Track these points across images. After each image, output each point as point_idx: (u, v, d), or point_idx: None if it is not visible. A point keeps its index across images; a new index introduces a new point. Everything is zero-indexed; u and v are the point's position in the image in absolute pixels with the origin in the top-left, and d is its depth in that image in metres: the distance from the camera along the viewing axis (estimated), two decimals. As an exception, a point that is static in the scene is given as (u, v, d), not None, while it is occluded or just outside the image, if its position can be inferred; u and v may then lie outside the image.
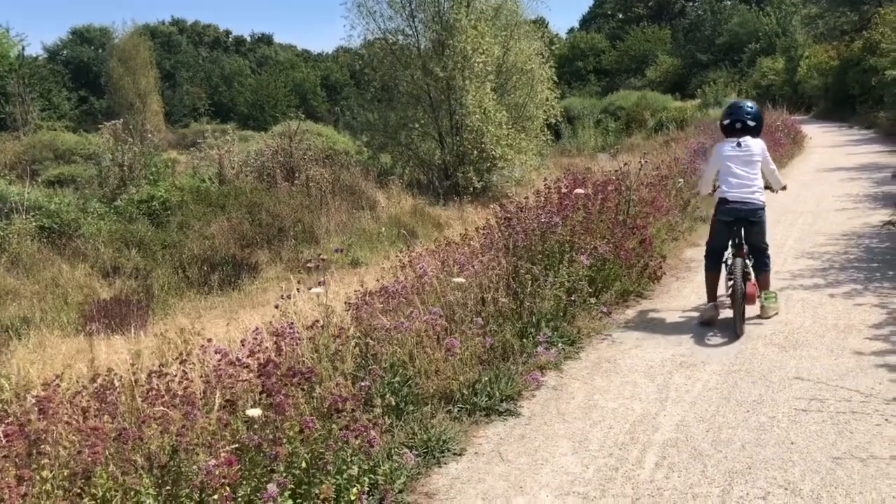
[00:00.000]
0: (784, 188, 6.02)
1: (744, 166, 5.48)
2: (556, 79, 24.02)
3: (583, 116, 38.77)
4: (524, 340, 4.82)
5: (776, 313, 5.54)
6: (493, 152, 20.10)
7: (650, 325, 5.58)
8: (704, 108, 40.64)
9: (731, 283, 5.39)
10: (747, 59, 49.34)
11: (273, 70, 68.19)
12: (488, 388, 4.24)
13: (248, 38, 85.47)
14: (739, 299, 5.13)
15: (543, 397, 4.36)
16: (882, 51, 22.58)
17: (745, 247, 5.45)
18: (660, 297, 6.28)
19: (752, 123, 5.61)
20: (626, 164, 7.92)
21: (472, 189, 19.73)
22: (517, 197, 18.85)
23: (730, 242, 5.52)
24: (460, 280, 4.76)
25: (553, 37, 33.96)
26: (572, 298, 5.36)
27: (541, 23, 29.34)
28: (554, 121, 23.94)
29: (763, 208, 5.48)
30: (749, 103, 5.82)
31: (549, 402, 4.29)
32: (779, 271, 6.82)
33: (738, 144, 5.54)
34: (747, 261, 5.45)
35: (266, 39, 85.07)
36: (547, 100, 23.02)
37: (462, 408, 4.12)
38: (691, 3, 66.32)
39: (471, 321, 4.52)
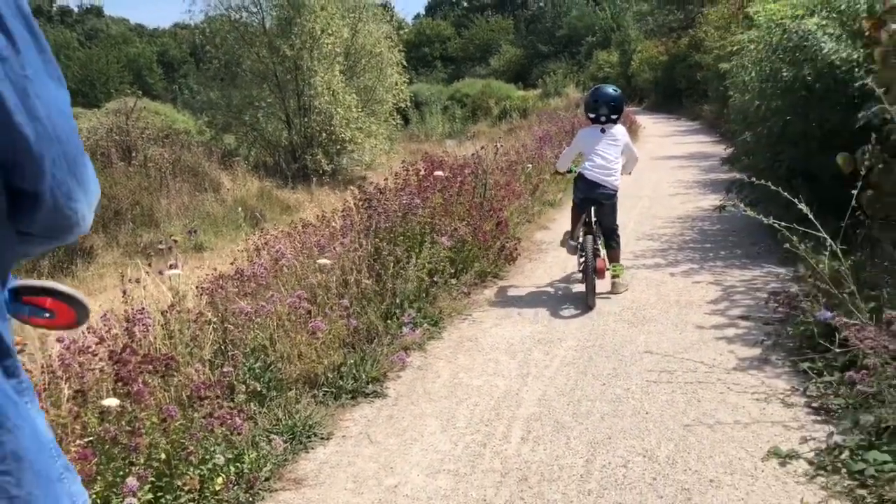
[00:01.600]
0: (629, 173, 6.29)
1: (607, 151, 5.70)
2: (405, 63, 24.04)
3: (430, 103, 39.09)
4: (388, 322, 4.78)
5: (626, 289, 5.87)
6: (343, 135, 19.88)
7: (508, 304, 5.71)
8: (545, 97, 42.13)
9: (582, 259, 5.64)
10: (585, 51, 51.59)
11: (104, 44, 64.01)
12: (354, 371, 4.18)
13: (76, 9, 79.82)
14: (591, 274, 5.40)
15: (409, 378, 4.35)
16: (705, 48, 24.26)
17: (596, 226, 5.72)
18: (515, 278, 6.44)
19: (615, 113, 5.83)
20: (482, 148, 8.04)
21: (321, 172, 19.38)
22: (369, 181, 18.67)
23: (585, 218, 5.73)
24: (325, 261, 4.65)
25: (400, 22, 34.03)
26: (434, 280, 5.38)
27: (387, 7, 29.33)
28: (403, 105, 23.95)
29: (616, 192, 5.75)
30: (611, 89, 5.98)
31: (415, 382, 4.29)
32: (622, 252, 7.17)
33: (603, 130, 5.78)
34: (597, 238, 5.71)
35: (95, 11, 79.74)
36: (396, 84, 23.00)
37: (328, 391, 4.04)
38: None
39: (334, 304, 4.43)
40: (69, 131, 1.01)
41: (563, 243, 6.07)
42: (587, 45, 51.73)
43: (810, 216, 4.14)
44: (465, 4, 71.76)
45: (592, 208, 5.72)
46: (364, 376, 4.16)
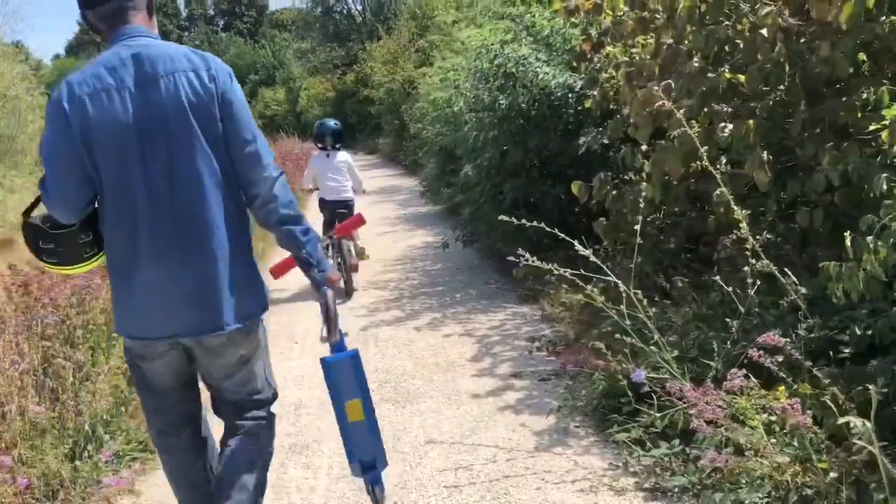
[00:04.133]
0: (365, 192, 7.52)
1: (334, 173, 7.02)
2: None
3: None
4: (78, 462, 3.37)
5: (368, 257, 7.24)
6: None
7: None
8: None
9: (339, 260, 6.63)
10: (249, 90, 50.30)
11: None
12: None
13: None
14: (348, 270, 6.64)
15: (122, 547, 3.03)
16: (373, 83, 24.54)
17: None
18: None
19: (337, 141, 7.18)
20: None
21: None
22: (19, 245, 15.72)
23: (331, 228, 6.76)
24: None
25: (38, 62, 30.15)
26: (135, 386, 4.02)
27: (18, 46, 25.78)
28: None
29: (352, 200, 7.11)
30: (332, 122, 7.43)
31: (131, 554, 2.98)
32: (353, 307, 6.33)
33: (328, 155, 7.10)
34: (345, 241, 6.70)
35: None
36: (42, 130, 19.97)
37: None
38: (188, 34, 65.47)
39: (-11, 458, 2.96)
40: None
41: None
42: (251, 83, 50.55)
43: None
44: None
45: (337, 220, 6.83)
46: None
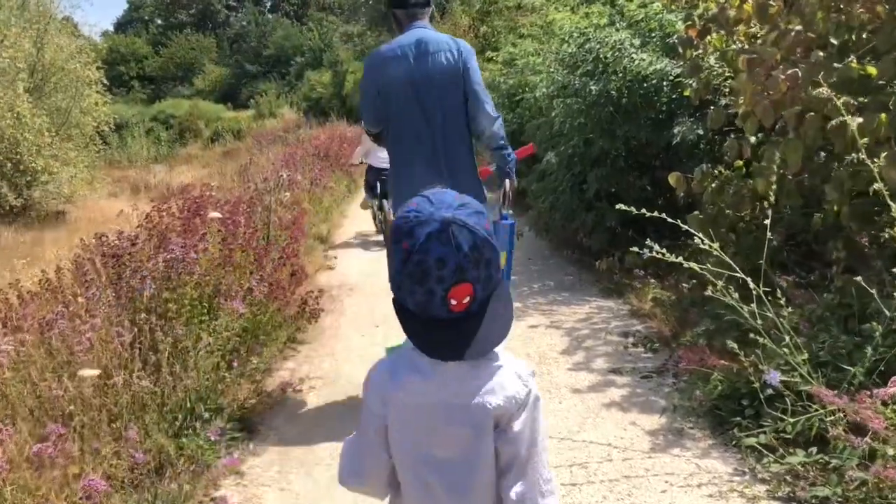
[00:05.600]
0: None
1: (380, 150, 7.61)
2: (104, 81, 21.20)
3: (132, 125, 35.54)
4: (183, 440, 3.29)
5: None
6: (34, 164, 16.79)
7: (328, 380, 4.40)
8: (260, 118, 40.44)
9: (381, 218, 8.00)
10: (295, 72, 50.36)
11: None
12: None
13: None
14: (388, 226, 6.82)
15: (232, 532, 2.93)
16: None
17: (384, 192, 7.73)
18: (319, 340, 5.12)
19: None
20: (264, 179, 6.63)
21: (8, 208, 16.19)
22: (72, 217, 15.82)
23: (376, 189, 8.10)
24: (91, 372, 3.04)
25: (87, 38, 30.36)
26: (232, 363, 3.93)
27: (68, 21, 26.01)
28: (106, 129, 21.11)
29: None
30: None
31: (243, 538, 2.89)
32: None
33: None
34: (386, 201, 7.19)
35: None
36: (96, 105, 20.15)
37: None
38: (235, 14, 65.77)
39: (103, 432, 2.88)
40: None
41: (363, 205, 9.09)
42: (297, 65, 50.59)
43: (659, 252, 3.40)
44: (160, 22, 66.98)
45: (379, 182, 7.95)
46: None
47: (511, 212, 3.72)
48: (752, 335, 3.23)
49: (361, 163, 8.76)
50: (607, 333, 4.99)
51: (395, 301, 1.36)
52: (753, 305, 3.26)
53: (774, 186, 3.75)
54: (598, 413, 3.78)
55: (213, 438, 3.27)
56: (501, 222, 3.61)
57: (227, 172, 15.99)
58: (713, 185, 5.08)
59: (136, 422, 3.20)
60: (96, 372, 3.03)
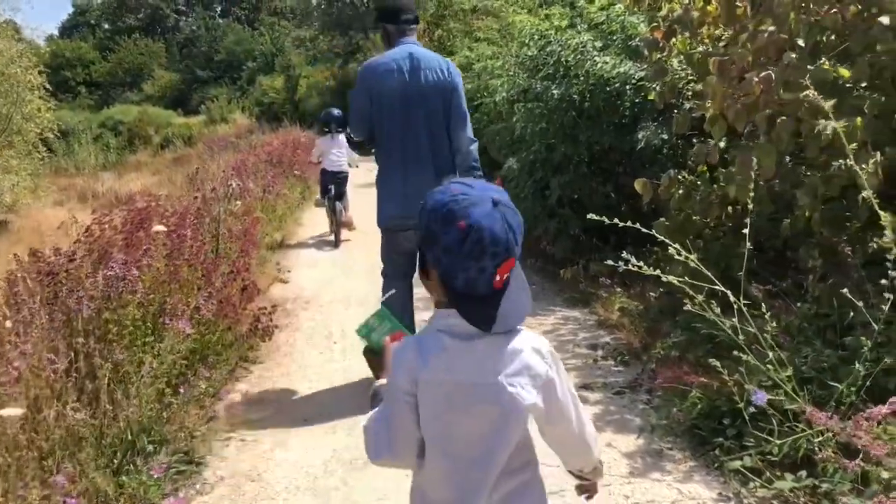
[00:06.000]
0: (357, 166, 9.17)
1: (336, 150, 8.88)
2: (47, 86, 20.51)
3: (78, 132, 34.58)
4: (124, 477, 2.99)
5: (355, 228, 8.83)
6: (-28, 174, 16.15)
7: (283, 404, 4.12)
8: (211, 124, 39.70)
9: (333, 216, 8.68)
10: (247, 77, 49.59)
11: None
12: None
13: None
14: (339, 225, 8.62)
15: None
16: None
17: (336, 195, 8.68)
18: (273, 358, 4.82)
19: (340, 126, 8.91)
20: (212, 189, 6.30)
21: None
22: (15, 227, 15.13)
23: (329, 192, 8.69)
24: (14, 412, 2.72)
25: (29, 42, 29.41)
26: (179, 388, 3.64)
27: (7, 24, 25.11)
28: (50, 135, 20.43)
29: (347, 173, 8.93)
30: (336, 111, 9.29)
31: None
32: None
33: (332, 137, 8.90)
34: (338, 203, 8.63)
35: None
36: (39, 111, 19.47)
37: None
38: (185, 19, 64.55)
39: (31, 476, 2.58)
40: None
41: (317, 203, 9.54)
42: (249, 70, 49.83)
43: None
44: (108, 26, 65.39)
45: (332, 186, 8.66)
46: None
47: None
48: (730, 349, 3.06)
49: (319, 162, 9.17)
50: (575, 346, 4.81)
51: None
52: (735, 319, 3.09)
53: (752, 193, 3.59)
54: (571, 434, 3.57)
55: (156, 475, 2.98)
56: None
57: (177, 180, 15.57)
58: (680, 191, 4.94)
59: (70, 459, 2.91)
60: (20, 412, 2.72)
